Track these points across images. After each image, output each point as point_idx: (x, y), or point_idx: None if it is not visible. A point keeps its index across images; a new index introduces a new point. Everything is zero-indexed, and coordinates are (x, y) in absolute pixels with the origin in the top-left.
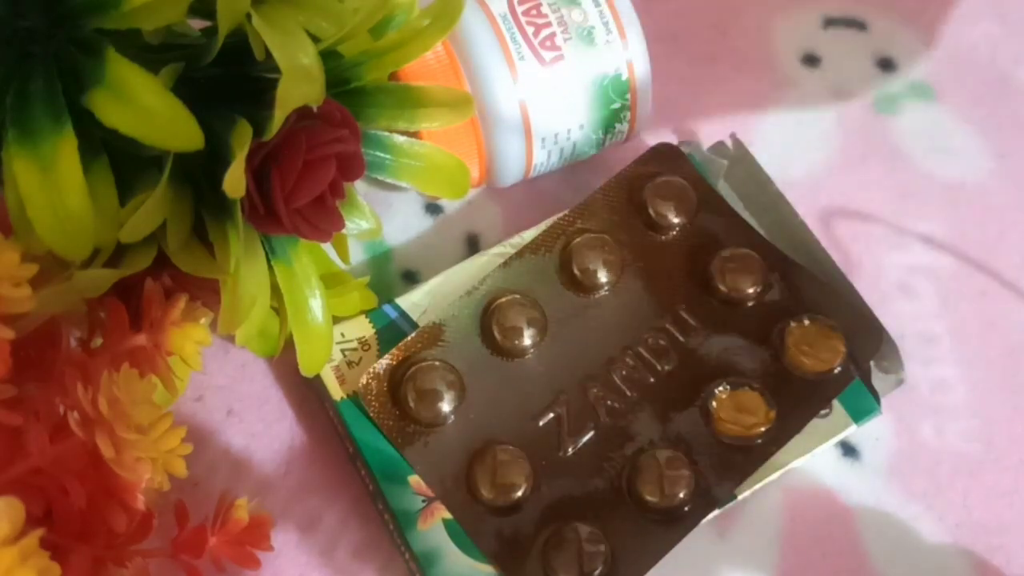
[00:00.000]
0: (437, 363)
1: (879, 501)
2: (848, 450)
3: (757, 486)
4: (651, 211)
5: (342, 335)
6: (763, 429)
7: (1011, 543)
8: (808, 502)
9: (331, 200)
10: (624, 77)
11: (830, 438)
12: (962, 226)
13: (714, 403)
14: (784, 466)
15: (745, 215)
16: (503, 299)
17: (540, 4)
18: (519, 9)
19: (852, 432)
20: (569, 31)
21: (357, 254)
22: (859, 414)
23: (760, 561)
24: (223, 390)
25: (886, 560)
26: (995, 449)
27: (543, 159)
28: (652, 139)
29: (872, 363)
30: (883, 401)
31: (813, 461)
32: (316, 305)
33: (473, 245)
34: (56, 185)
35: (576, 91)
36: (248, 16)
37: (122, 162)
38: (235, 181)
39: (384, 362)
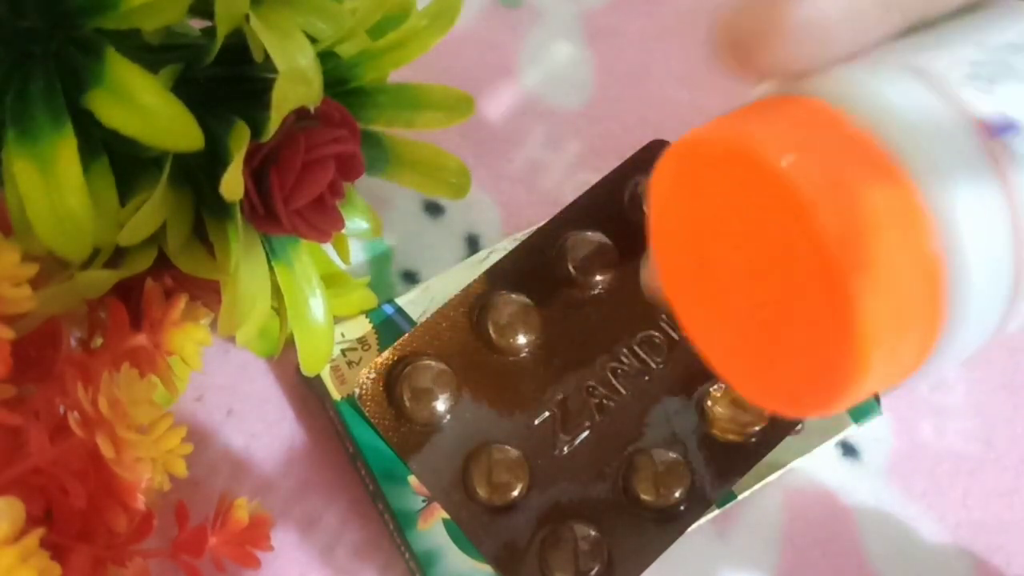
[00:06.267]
0: (432, 362)
1: (879, 501)
2: (848, 450)
3: (757, 486)
4: (645, 208)
5: (342, 335)
6: (758, 428)
7: (1011, 543)
8: (808, 502)
9: (330, 200)
10: None
11: (830, 438)
12: None
13: (709, 401)
14: (784, 466)
15: None
16: (498, 297)
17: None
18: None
19: (852, 432)
20: None
21: (357, 254)
22: (859, 414)
23: (760, 561)
24: (223, 390)
25: (886, 560)
26: (995, 449)
27: None
28: (652, 139)
29: None
30: (883, 401)
31: (813, 461)
32: (316, 305)
33: (473, 245)
34: (56, 185)
35: None
36: (247, 17)
37: (122, 162)
38: (232, 183)
39: (379, 362)
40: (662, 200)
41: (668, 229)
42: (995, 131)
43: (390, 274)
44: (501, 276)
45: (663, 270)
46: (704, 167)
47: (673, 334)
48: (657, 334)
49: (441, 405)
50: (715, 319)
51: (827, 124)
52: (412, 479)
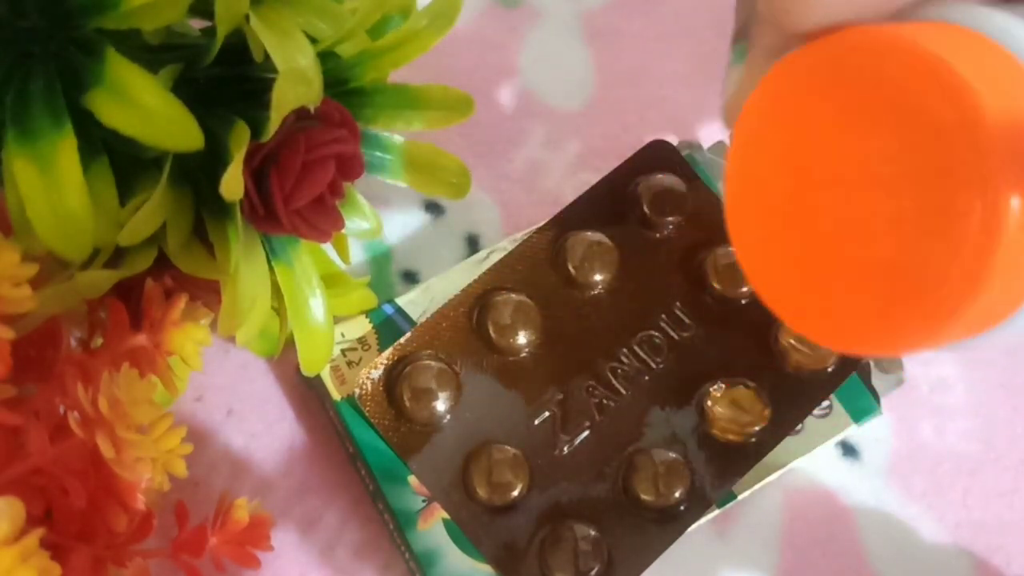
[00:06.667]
0: (432, 362)
1: (879, 501)
2: (848, 450)
3: (757, 486)
4: (645, 208)
5: (342, 335)
6: (758, 428)
7: (1011, 543)
8: (808, 502)
9: (331, 200)
10: None
11: (830, 438)
12: None
13: (709, 401)
14: (784, 466)
15: None
16: (498, 297)
17: None
18: None
19: (852, 432)
20: None
21: (357, 254)
22: (859, 414)
23: (760, 561)
24: (223, 390)
25: (886, 560)
26: (995, 449)
27: None
28: (652, 139)
29: (872, 363)
30: (883, 401)
31: (813, 461)
32: (316, 305)
33: (473, 245)
34: (56, 185)
35: None
36: (247, 17)
37: (122, 162)
38: (232, 183)
39: (380, 362)
40: (762, 108)
41: (755, 147)
42: None
43: (390, 274)
44: (501, 276)
45: (731, 204)
46: (835, 72)
47: (673, 334)
48: (657, 334)
49: (441, 405)
50: (787, 250)
51: (969, 38)
52: (412, 479)
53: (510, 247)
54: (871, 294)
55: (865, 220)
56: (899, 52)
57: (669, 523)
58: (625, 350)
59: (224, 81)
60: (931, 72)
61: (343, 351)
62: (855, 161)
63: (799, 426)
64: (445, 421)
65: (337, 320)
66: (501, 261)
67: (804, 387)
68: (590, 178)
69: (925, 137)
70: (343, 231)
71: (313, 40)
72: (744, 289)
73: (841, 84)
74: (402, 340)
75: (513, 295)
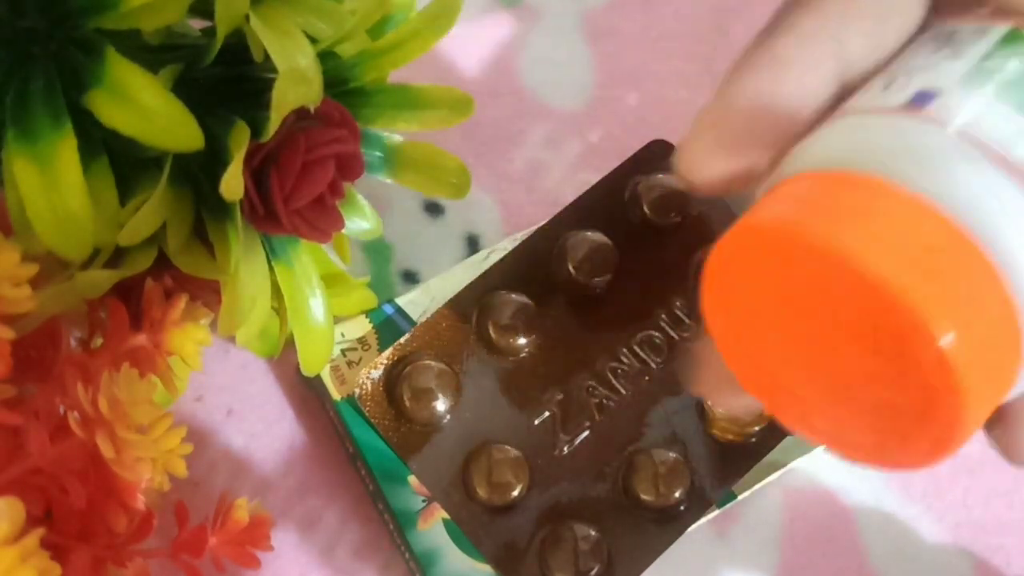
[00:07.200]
0: (432, 362)
1: (879, 501)
2: None
3: (757, 486)
4: (645, 208)
5: (342, 335)
6: (758, 428)
7: (1011, 543)
8: (808, 502)
9: (331, 200)
10: None
11: None
12: None
13: (709, 401)
14: (784, 466)
15: None
16: (498, 297)
17: None
18: None
19: None
20: None
21: (357, 254)
22: None
23: (760, 561)
24: (223, 390)
25: (886, 560)
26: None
27: None
28: (652, 139)
29: None
30: None
31: (813, 461)
32: (316, 305)
33: (473, 245)
34: (56, 185)
35: None
36: (247, 17)
37: (122, 162)
38: (232, 183)
39: (380, 362)
40: (720, 280)
41: (725, 309)
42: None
43: (390, 274)
44: (501, 276)
45: (725, 351)
46: (772, 255)
47: (673, 334)
48: (657, 334)
49: (441, 405)
50: (789, 393)
51: (874, 196)
52: (412, 479)
53: (510, 247)
54: (875, 431)
55: (836, 379)
56: (800, 243)
57: (669, 523)
58: (625, 350)
59: (224, 81)
60: (834, 263)
61: (343, 351)
62: (808, 325)
63: None
64: (445, 421)
65: (337, 320)
66: (501, 261)
67: None
68: (590, 178)
69: (850, 313)
70: (343, 231)
71: (313, 40)
72: None
73: (761, 274)
74: (402, 340)
75: (513, 295)
